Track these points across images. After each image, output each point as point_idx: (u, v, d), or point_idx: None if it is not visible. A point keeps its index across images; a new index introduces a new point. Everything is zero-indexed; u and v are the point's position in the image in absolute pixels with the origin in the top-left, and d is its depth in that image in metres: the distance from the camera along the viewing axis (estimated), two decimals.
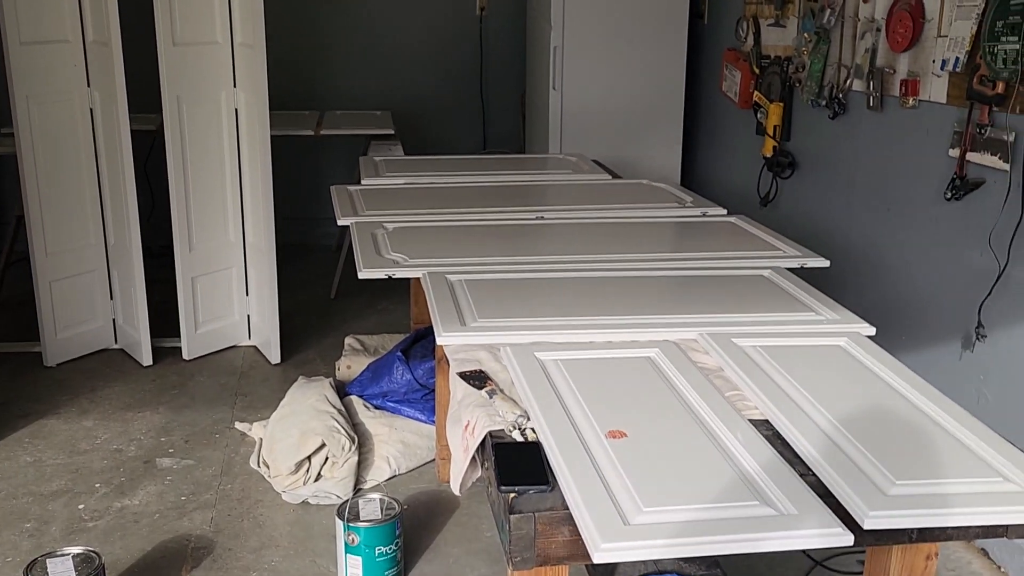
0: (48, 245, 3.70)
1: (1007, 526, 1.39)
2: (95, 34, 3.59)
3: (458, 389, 1.77)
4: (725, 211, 3.03)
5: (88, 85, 3.70)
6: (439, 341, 1.95)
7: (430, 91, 5.54)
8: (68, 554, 2.31)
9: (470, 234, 2.77)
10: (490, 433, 1.59)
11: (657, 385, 1.73)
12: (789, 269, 2.43)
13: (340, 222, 2.92)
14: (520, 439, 1.56)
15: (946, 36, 2.77)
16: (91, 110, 3.73)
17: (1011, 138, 2.50)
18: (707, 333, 1.95)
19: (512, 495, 1.39)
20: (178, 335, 3.87)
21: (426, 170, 3.65)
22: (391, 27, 5.43)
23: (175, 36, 3.56)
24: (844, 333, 1.97)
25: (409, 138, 5.17)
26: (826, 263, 2.50)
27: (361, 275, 2.39)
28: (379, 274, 2.40)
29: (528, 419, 1.61)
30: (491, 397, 1.69)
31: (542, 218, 2.99)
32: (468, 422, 1.66)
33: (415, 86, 5.52)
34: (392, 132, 4.69)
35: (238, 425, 3.32)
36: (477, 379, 1.76)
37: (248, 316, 4.03)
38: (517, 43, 5.42)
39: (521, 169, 3.82)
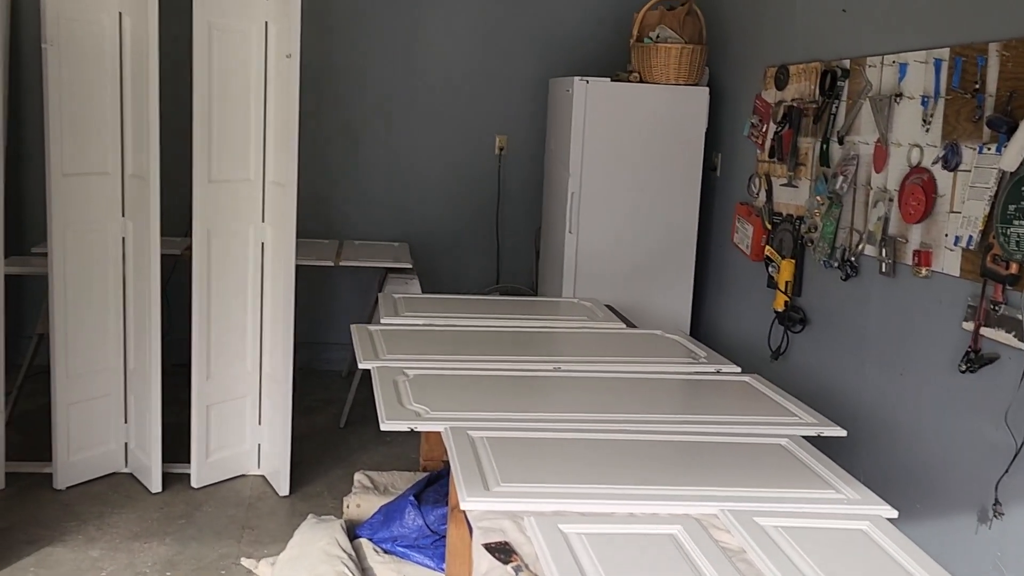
0: (69, 367, 3.74)
1: None
2: (134, 168, 3.73)
3: (483, 561, 1.79)
4: (739, 369, 3.08)
5: (123, 215, 3.81)
6: (463, 506, 1.97)
7: (447, 224, 5.68)
8: None
9: (490, 385, 2.82)
10: None
11: (682, 568, 1.75)
12: (805, 437, 2.47)
13: (362, 366, 2.97)
14: None
15: (959, 212, 2.87)
16: (123, 239, 3.83)
17: None
18: (728, 510, 1.97)
19: None
20: (187, 460, 3.87)
21: (443, 311, 3.72)
22: (412, 162, 5.60)
23: (211, 174, 3.70)
24: (866, 516, 1.99)
25: (424, 269, 5.27)
26: (843, 433, 2.53)
27: (384, 427, 2.43)
28: (402, 426, 2.44)
29: None
30: (517, 573, 1.70)
31: (559, 369, 3.05)
32: None
33: (432, 219, 5.66)
34: (410, 266, 4.79)
35: (244, 561, 3.29)
36: (503, 552, 1.78)
37: (259, 445, 4.04)
38: (534, 183, 5.58)
39: (537, 313, 3.89)
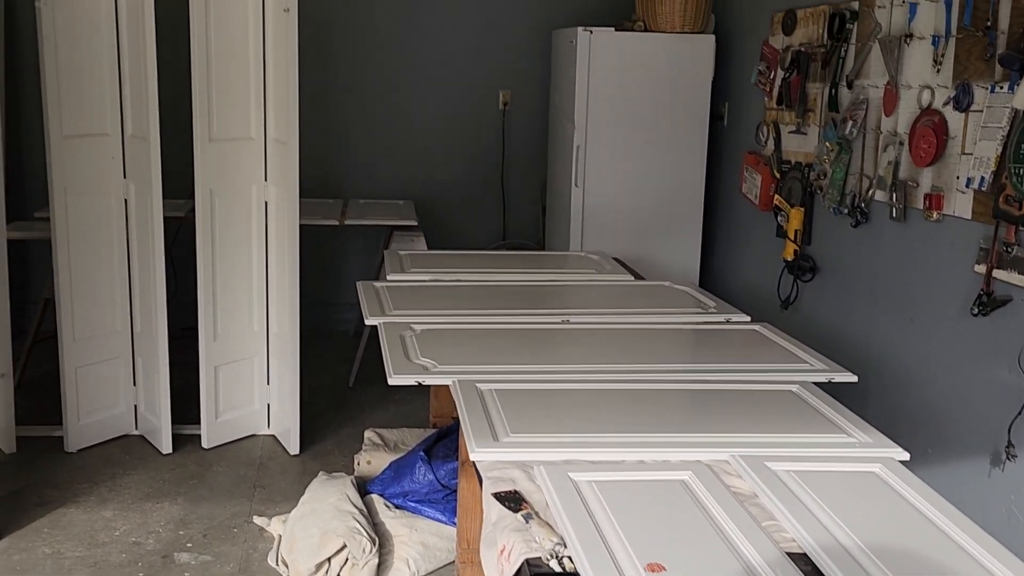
0: (76, 330, 3.74)
1: None
2: (134, 128, 3.69)
3: (492, 510, 1.78)
4: (749, 319, 3.06)
5: (124, 176, 3.78)
6: (472, 458, 1.96)
7: (451, 181, 5.63)
8: None
9: (498, 338, 2.80)
10: (527, 561, 1.58)
11: (693, 512, 1.73)
12: (815, 383, 2.45)
13: (368, 322, 2.96)
14: (558, 569, 1.56)
15: (970, 154, 2.82)
16: (125, 200, 3.80)
17: None
18: (739, 455, 1.96)
19: None
20: (198, 421, 3.88)
21: (450, 266, 3.69)
22: (415, 119, 5.54)
23: (211, 132, 3.65)
24: (878, 459, 1.97)
25: (429, 226, 5.23)
26: (854, 378, 2.51)
27: (391, 381, 2.41)
28: (409, 380, 2.42)
29: (565, 547, 1.61)
30: (527, 521, 1.69)
31: (568, 322, 3.02)
32: (504, 546, 1.66)
33: (437, 176, 5.61)
34: (415, 224, 4.75)
35: (256, 520, 3.30)
36: (512, 501, 1.77)
37: (268, 405, 4.04)
38: (539, 137, 5.52)
39: (545, 267, 3.87)
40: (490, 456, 1.95)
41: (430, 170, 5.61)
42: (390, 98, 5.51)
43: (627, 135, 4.53)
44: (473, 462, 1.99)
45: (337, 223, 4.72)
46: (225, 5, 3.62)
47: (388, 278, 3.51)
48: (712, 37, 4.52)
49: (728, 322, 3.05)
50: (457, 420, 3.52)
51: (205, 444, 3.86)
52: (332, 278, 5.55)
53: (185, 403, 3.94)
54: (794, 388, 2.40)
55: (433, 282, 3.48)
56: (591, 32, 4.43)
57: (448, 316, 2.99)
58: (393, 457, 3.41)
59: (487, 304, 3.16)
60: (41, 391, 4.25)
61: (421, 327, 2.85)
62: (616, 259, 4.01)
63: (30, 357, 4.50)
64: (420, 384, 2.44)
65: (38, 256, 5.12)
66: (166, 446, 3.81)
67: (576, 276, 3.67)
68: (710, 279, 4.83)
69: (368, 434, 3.75)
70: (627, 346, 2.77)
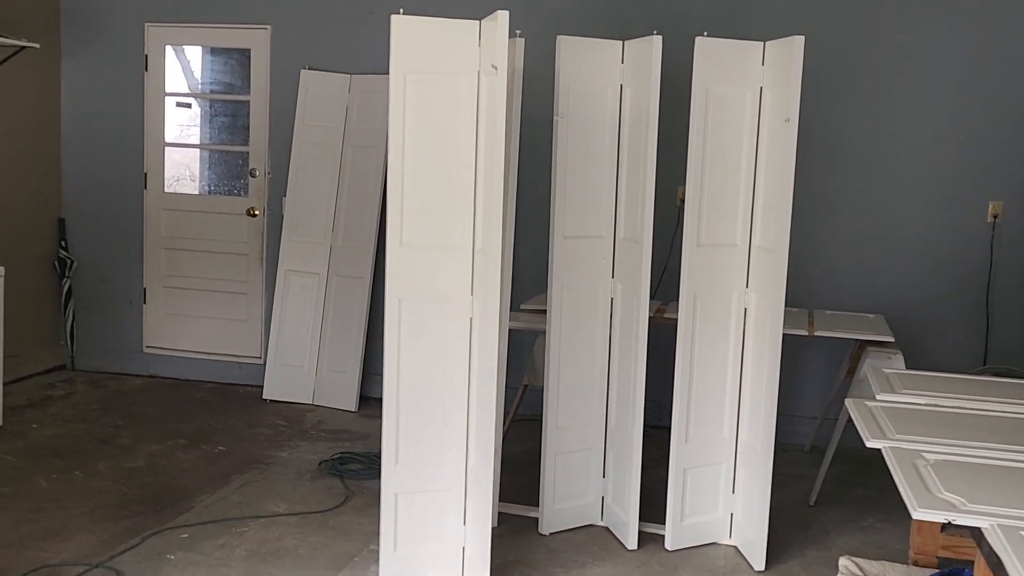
0: (559, 418, 3.96)
1: None
2: (626, 232, 3.88)
3: None
4: None
5: (612, 276, 3.98)
6: None
7: (924, 296, 5.24)
8: None
9: None
10: None
11: None
12: None
13: (869, 444, 2.78)
14: None
15: None
16: (612, 299, 3.99)
17: None
18: None
19: None
20: (661, 520, 3.90)
21: (943, 390, 3.38)
22: (888, 229, 5.26)
23: (700, 238, 3.74)
24: None
25: (899, 344, 4.88)
26: None
27: (916, 516, 2.22)
28: (937, 517, 2.21)
29: None
30: None
31: None
32: None
33: (908, 290, 5.26)
34: (891, 339, 4.46)
35: None
36: None
37: (731, 514, 3.95)
38: None
39: None
40: None
41: (900, 283, 5.28)
42: (863, 205, 5.30)
43: None
44: None
45: (806, 333, 4.57)
46: (723, 115, 3.72)
47: (878, 398, 3.28)
48: None
49: None
50: (941, 561, 3.17)
51: (669, 546, 3.85)
52: (789, 389, 5.37)
53: (645, 500, 3.97)
54: None
55: (930, 406, 3.20)
56: None
57: (962, 447, 2.71)
58: None
59: (1003, 437, 2.83)
60: (515, 470, 4.55)
61: (934, 456, 2.61)
62: None
63: (506, 437, 4.85)
64: (951, 523, 2.21)
65: (517, 344, 5.56)
66: (631, 542, 3.86)
67: None
68: None
69: (844, 562, 3.48)
70: None
